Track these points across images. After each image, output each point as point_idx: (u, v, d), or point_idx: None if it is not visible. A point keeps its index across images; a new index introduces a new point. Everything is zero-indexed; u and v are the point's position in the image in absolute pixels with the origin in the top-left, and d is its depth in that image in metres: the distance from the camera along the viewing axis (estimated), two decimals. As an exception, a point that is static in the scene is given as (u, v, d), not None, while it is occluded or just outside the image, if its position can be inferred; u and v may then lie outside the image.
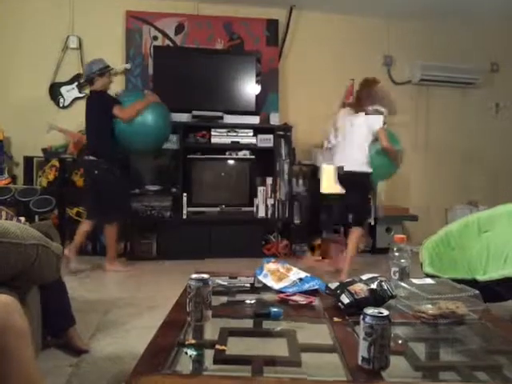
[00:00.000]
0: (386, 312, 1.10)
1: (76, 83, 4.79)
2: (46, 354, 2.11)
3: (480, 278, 2.14)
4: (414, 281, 1.66)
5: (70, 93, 4.79)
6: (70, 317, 2.23)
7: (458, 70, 5.31)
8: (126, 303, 3.01)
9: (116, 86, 4.84)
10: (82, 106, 4.76)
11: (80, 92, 4.79)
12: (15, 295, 1.33)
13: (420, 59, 5.28)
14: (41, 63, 4.71)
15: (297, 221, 4.92)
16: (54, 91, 4.77)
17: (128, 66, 4.83)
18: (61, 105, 4.78)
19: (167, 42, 4.94)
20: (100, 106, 3.92)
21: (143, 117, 3.97)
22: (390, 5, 4.96)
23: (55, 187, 4.42)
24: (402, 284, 1.63)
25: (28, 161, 4.54)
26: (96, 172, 3.87)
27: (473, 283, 1.82)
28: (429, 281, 1.72)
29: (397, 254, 1.74)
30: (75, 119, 4.64)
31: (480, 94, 5.51)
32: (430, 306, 1.45)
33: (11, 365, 1.10)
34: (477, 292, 1.53)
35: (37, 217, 4.07)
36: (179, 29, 4.96)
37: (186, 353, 1.21)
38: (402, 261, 1.73)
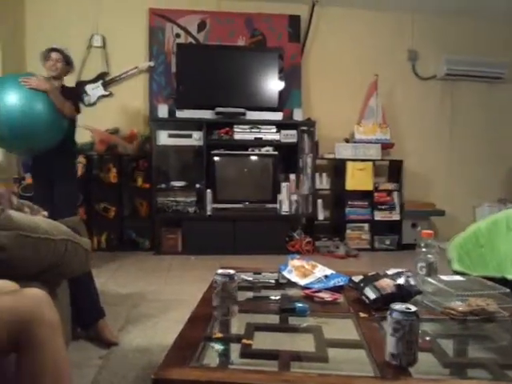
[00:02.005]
0: (413, 308, 1.09)
1: (101, 81, 4.86)
2: (76, 345, 2.15)
3: (510, 276, 2.09)
4: (443, 277, 1.64)
5: (95, 91, 4.86)
6: (99, 309, 2.28)
7: (484, 63, 5.18)
8: (154, 297, 3.05)
9: (139, 84, 4.93)
10: (107, 103, 4.87)
11: (105, 90, 4.86)
12: (46, 289, 1.36)
13: (445, 53, 5.18)
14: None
15: (321, 217, 4.90)
16: (80, 89, 4.85)
17: (151, 63, 4.88)
18: (86, 103, 4.85)
19: (190, 39, 4.96)
20: None
21: None
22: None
23: (82, 183, 4.50)
24: (430, 280, 1.60)
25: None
26: None
27: (502, 282, 1.78)
28: (458, 277, 1.70)
29: (424, 249, 1.71)
30: (101, 117, 4.71)
31: (507, 88, 5.37)
32: (459, 302, 1.43)
33: (43, 356, 1.12)
34: (507, 290, 1.50)
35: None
36: (201, 26, 4.98)
37: (213, 347, 1.22)
38: (430, 256, 1.70)
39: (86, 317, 2.24)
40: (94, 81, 4.86)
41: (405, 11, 5.15)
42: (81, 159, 4.54)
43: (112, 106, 4.87)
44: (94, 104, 4.87)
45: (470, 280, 1.68)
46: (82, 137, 4.64)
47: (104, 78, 4.86)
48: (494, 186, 5.27)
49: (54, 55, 3.33)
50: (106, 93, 4.87)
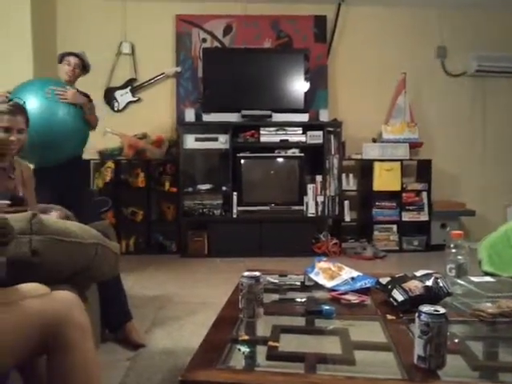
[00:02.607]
0: (442, 310, 1.07)
1: (129, 87, 4.95)
2: (104, 348, 2.19)
3: (542, 277, 2.04)
4: (472, 278, 1.61)
5: (123, 97, 4.95)
6: (127, 312, 2.31)
7: (516, 59, 5.04)
8: (180, 300, 3.08)
9: (166, 90, 5.00)
10: (135, 109, 4.96)
11: (133, 96, 4.95)
12: (76, 292, 1.39)
13: (475, 49, 5.06)
14: (96, 69, 4.84)
15: (347, 219, 4.86)
16: (109, 96, 4.95)
17: (179, 69, 4.94)
18: (115, 109, 4.95)
19: (216, 43, 5.00)
20: None
21: None
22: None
23: (111, 188, 4.59)
24: (459, 281, 1.58)
25: (85, 164, 4.73)
26: None
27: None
28: (488, 279, 1.66)
29: (454, 250, 1.68)
30: (129, 122, 4.80)
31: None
32: (489, 304, 1.40)
33: (74, 358, 1.15)
34: (540, 291, 1.46)
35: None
36: (227, 30, 5.01)
37: (239, 349, 1.23)
38: (459, 257, 1.67)
39: (114, 319, 2.28)
40: (123, 87, 4.95)
41: (432, 7, 5.06)
42: (109, 164, 4.64)
43: (140, 111, 4.95)
44: (122, 110, 4.97)
45: (500, 281, 1.64)
46: (110, 142, 4.76)
47: (132, 84, 4.95)
48: (526, 185, 5.12)
49: (73, 60, 3.29)
50: (135, 99, 4.96)
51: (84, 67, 3.38)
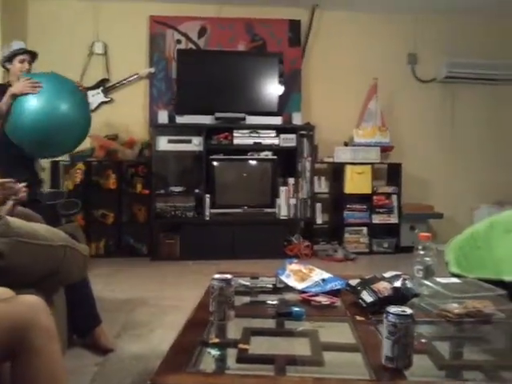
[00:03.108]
0: (409, 310, 1.09)
1: (101, 88, 4.88)
2: (72, 353, 2.14)
3: (507, 278, 2.09)
4: (439, 280, 1.64)
5: (95, 97, 4.88)
6: (95, 316, 2.27)
7: (484, 65, 5.16)
8: (151, 303, 3.05)
9: (139, 91, 4.95)
10: (107, 110, 4.90)
11: (105, 96, 4.88)
12: (42, 295, 1.36)
13: (445, 56, 5.17)
14: (68, 69, 4.75)
15: (319, 221, 4.90)
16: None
17: (152, 70, 4.90)
18: (87, 109, 4.87)
19: (190, 45, 4.98)
20: None
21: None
22: (415, 1, 4.89)
23: (81, 190, 4.51)
24: (427, 282, 1.61)
25: (54, 165, 4.64)
26: None
27: (500, 284, 1.78)
28: (454, 280, 1.70)
29: (421, 252, 1.71)
30: (101, 123, 4.73)
31: (508, 90, 5.37)
32: (455, 304, 1.43)
33: (40, 362, 1.12)
34: (504, 292, 1.51)
35: (63, 219, 4.16)
36: (202, 32, 5.00)
37: (210, 352, 1.22)
38: (427, 259, 1.70)
39: (82, 324, 2.23)
40: (95, 87, 4.88)
41: (404, 14, 5.16)
42: (80, 165, 4.56)
43: (112, 112, 4.89)
44: (94, 110, 4.89)
45: (466, 282, 1.68)
46: (82, 143, 4.67)
47: (104, 85, 4.88)
48: (492, 188, 5.25)
49: (23, 56, 3.14)
50: (107, 99, 4.89)
51: (33, 58, 3.24)
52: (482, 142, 5.36)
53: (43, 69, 4.79)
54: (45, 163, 4.73)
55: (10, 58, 3.16)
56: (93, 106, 4.86)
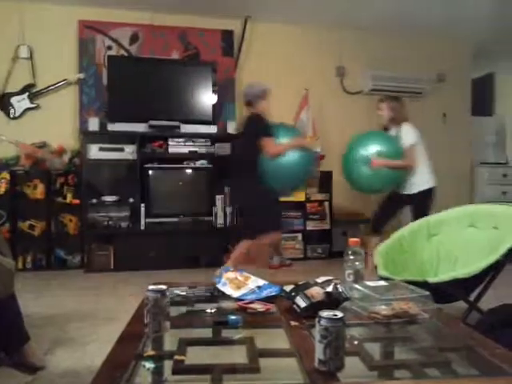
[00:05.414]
0: (340, 314, 1.12)
1: (27, 93, 4.66)
2: (-1, 372, 2.04)
3: (431, 279, 2.23)
4: (368, 283, 1.71)
5: (20, 103, 4.66)
6: (23, 333, 2.16)
7: (406, 79, 5.52)
8: (84, 317, 2.94)
9: (69, 97, 4.78)
10: (34, 116, 4.68)
11: (32, 102, 4.67)
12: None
13: (370, 69, 5.45)
14: (-11, 73, 4.57)
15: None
16: (4, 102, 4.63)
17: (81, 75, 4.75)
18: (11, 115, 4.63)
19: (122, 51, 4.89)
20: (253, 130, 3.72)
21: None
22: (343, 17, 5.12)
23: (6, 200, 4.28)
24: (356, 286, 1.67)
25: None
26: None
27: (424, 285, 1.89)
28: (382, 283, 1.77)
29: (351, 257, 1.78)
30: (27, 130, 4.53)
31: (428, 102, 5.72)
32: (383, 306, 1.50)
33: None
34: (427, 293, 1.59)
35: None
36: (134, 38, 4.92)
37: (144, 365, 1.20)
38: (357, 263, 1.77)
39: (10, 341, 2.12)
40: (20, 93, 4.66)
41: (334, 28, 5.38)
42: (4, 174, 4.33)
43: (39, 119, 4.69)
44: (19, 117, 4.66)
45: (393, 284, 1.76)
46: (6, 151, 4.45)
47: (30, 90, 4.67)
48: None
49: None
50: (33, 105, 4.68)
51: None
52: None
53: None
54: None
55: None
56: (18, 113, 4.65)
